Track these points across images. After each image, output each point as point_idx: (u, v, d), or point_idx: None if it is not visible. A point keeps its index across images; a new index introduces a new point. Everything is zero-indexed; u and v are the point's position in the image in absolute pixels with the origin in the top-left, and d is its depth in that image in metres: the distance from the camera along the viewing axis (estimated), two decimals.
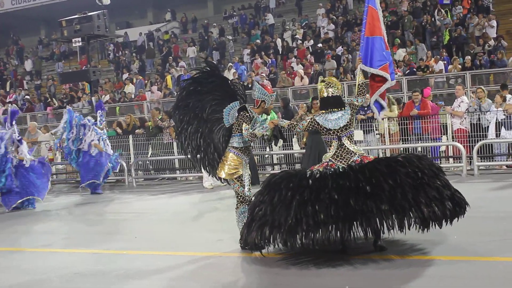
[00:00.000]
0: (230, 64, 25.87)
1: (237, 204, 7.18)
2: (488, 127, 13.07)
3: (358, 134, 13.31)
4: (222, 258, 6.96)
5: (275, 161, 15.85)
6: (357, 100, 6.75)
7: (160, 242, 8.30)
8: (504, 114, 12.85)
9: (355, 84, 7.17)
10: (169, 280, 6.21)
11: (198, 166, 7.63)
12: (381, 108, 7.94)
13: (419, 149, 13.23)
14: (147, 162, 16.58)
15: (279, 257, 6.57)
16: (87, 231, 9.72)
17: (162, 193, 14.06)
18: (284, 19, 31.95)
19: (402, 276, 5.61)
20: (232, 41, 30.84)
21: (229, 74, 24.75)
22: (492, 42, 21.57)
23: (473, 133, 13.06)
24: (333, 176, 6.07)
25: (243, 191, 7.09)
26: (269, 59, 25.90)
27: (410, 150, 13.20)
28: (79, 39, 18.42)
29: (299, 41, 27.04)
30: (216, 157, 7.22)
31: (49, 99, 28.31)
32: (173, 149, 15.89)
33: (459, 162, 12.94)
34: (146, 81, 28.01)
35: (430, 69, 20.35)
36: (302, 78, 22.33)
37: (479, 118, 13.01)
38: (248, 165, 7.26)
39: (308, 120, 6.78)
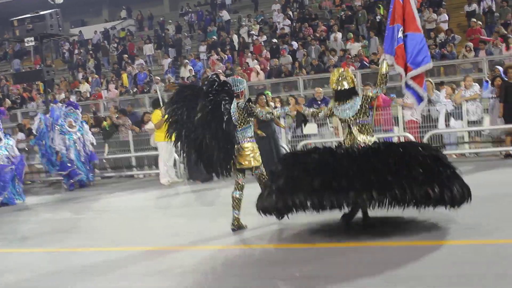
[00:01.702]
0: (186, 61, 25.88)
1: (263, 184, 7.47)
2: (438, 118, 13.41)
3: (312, 128, 13.54)
4: (178, 252, 7.04)
5: None
6: (371, 91, 7.23)
7: (117, 238, 8.36)
8: (453, 105, 13.23)
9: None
10: (126, 275, 6.27)
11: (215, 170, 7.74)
12: (419, 97, 7.98)
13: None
14: (104, 160, 16.53)
15: (238, 248, 6.72)
16: (43, 231, 9.67)
17: (120, 190, 14.04)
18: (240, 15, 32.04)
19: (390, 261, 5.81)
20: (188, 38, 30.80)
21: (185, 71, 24.80)
22: (443, 35, 22.07)
23: (424, 124, 13.39)
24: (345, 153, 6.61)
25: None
26: (226, 56, 25.98)
27: None
28: (32, 38, 18.16)
29: (255, 37, 27.17)
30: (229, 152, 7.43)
31: (2, 100, 27.87)
32: (129, 147, 15.86)
33: None
34: (102, 80, 27.80)
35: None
36: (258, 73, 22.47)
37: (429, 109, 13.33)
38: None
39: (326, 109, 7.47)
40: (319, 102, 13.61)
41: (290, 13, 28.99)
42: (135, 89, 25.21)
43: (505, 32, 20.30)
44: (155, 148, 14.43)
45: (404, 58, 7.72)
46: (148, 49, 30.36)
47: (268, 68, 23.40)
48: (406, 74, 7.80)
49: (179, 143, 7.72)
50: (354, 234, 6.93)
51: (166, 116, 7.81)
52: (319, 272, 5.64)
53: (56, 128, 14.69)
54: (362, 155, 6.52)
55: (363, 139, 6.95)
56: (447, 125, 13.34)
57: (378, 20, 24.97)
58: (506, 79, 12.82)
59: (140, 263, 6.75)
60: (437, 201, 6.32)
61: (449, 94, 13.59)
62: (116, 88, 25.67)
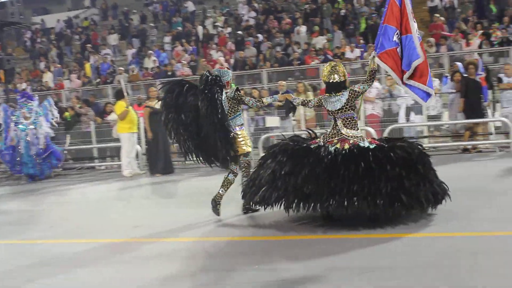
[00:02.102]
0: (150, 51, 25.72)
1: (245, 173, 7.94)
2: (398, 112, 13.63)
3: (273, 120, 13.67)
4: (138, 244, 7.05)
5: None
6: (358, 87, 7.28)
7: (77, 230, 8.31)
8: (413, 99, 13.42)
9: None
10: (85, 267, 6.25)
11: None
12: (425, 94, 7.82)
13: None
14: (65, 151, 16.34)
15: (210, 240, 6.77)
16: (1, 223, 9.56)
17: (81, 182, 13.95)
18: (205, 6, 31.90)
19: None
20: (153, 28, 30.56)
21: (150, 62, 24.66)
22: None
23: (384, 118, 13.59)
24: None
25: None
26: (190, 47, 25.89)
27: None
28: None
29: (220, 29, 27.13)
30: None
31: None
32: (91, 138, 15.72)
33: None
34: (65, 70, 27.44)
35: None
36: (222, 65, 22.43)
37: (389, 104, 13.53)
38: None
39: (316, 99, 7.65)
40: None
41: (256, 5, 29.00)
42: (98, 80, 24.96)
43: (465, 28, 20.66)
44: (118, 140, 14.32)
45: (398, 62, 7.70)
46: (112, 39, 30.06)
47: (233, 60, 23.40)
48: (402, 78, 7.80)
49: (178, 139, 7.92)
50: (327, 226, 7.01)
51: (164, 114, 7.97)
52: (277, 265, 5.72)
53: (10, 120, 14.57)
54: (334, 161, 6.75)
55: (347, 132, 7.14)
56: (407, 120, 13.56)
57: (342, 14, 25.18)
58: (466, 74, 13.08)
59: (101, 255, 6.73)
60: (403, 207, 6.63)
61: None
62: (78, 78, 25.38)
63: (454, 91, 13.40)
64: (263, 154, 7.78)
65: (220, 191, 7.97)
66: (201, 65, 22.83)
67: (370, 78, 7.36)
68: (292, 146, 7.25)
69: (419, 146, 7.23)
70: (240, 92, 7.92)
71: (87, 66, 26.61)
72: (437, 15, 22.59)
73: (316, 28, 24.26)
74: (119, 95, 13.88)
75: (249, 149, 8.01)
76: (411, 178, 6.65)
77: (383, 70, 19.02)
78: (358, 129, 7.33)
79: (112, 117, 14.77)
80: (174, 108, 7.80)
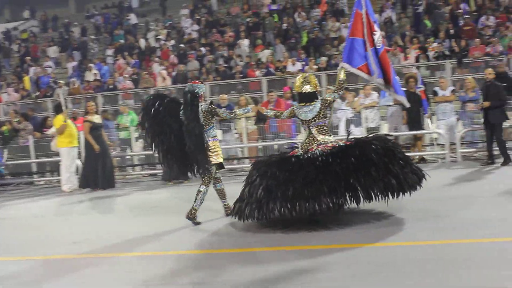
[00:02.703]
0: (91, 64, 25.41)
1: (205, 183, 8.24)
2: (338, 125, 13.87)
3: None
4: (76, 260, 6.95)
5: (135, 162, 15.89)
6: (330, 96, 7.79)
7: (13, 247, 8.09)
8: (352, 112, 13.73)
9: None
10: (21, 284, 6.11)
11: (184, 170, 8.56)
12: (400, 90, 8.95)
13: (275, 146, 13.80)
14: (3, 166, 15.95)
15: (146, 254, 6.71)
16: None
17: (19, 198, 13.62)
18: (147, 19, 31.73)
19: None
20: (94, 41, 30.21)
21: (90, 75, 24.34)
22: None
23: None
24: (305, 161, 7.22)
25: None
26: (132, 60, 25.70)
27: (267, 148, 13.71)
28: None
29: (162, 42, 27.05)
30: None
31: None
32: (29, 152, 15.39)
33: None
34: (2, 82, 26.77)
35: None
36: (164, 79, 22.36)
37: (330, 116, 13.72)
38: None
39: (289, 110, 8.04)
40: (224, 108, 13.73)
41: (199, 18, 29.05)
42: (37, 93, 24.44)
43: (402, 43, 21.21)
44: (57, 154, 14.06)
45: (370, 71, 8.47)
46: (52, 51, 29.56)
47: (175, 73, 23.28)
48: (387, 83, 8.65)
49: (159, 149, 8.34)
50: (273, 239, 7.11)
51: (142, 126, 8.50)
52: (210, 279, 5.73)
53: None
54: (324, 161, 7.08)
55: (322, 138, 7.53)
56: (348, 132, 13.77)
57: (284, 27, 25.49)
58: (406, 88, 13.38)
59: (37, 272, 6.60)
60: (395, 190, 7.12)
61: (350, 102, 14.07)
62: (17, 92, 24.81)
63: (392, 103, 13.72)
64: (248, 174, 7.89)
65: (223, 203, 8.54)
66: (143, 79, 22.66)
67: (339, 87, 8.00)
68: (276, 159, 7.52)
69: (388, 137, 7.74)
70: (213, 105, 8.28)
71: (26, 79, 26.02)
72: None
73: (259, 41, 24.48)
74: (57, 109, 13.66)
75: (221, 160, 8.33)
76: (394, 164, 7.17)
77: (324, 84, 19.45)
78: (331, 135, 7.80)
79: (51, 131, 14.50)
80: (154, 120, 8.18)
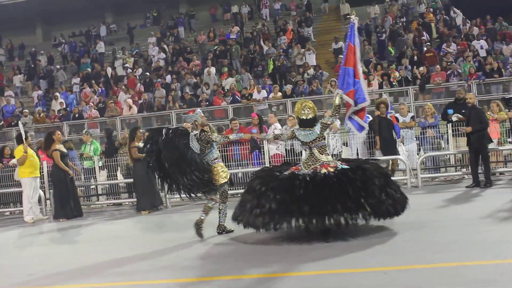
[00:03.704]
0: (57, 94, 25.28)
1: (223, 200, 9.05)
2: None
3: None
4: None
5: (99, 192, 15.80)
6: (328, 120, 8.50)
7: None
8: None
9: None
10: None
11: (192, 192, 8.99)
12: (360, 127, 9.85)
13: (240, 174, 13.85)
14: None
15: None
16: None
17: None
18: (114, 47, 31.69)
19: None
20: (61, 69, 30.06)
21: (56, 104, 24.21)
22: (311, 71, 23.06)
23: (288, 158, 13.85)
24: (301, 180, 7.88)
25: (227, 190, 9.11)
26: (99, 88, 25.63)
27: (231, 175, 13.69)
28: None
29: (129, 70, 27.06)
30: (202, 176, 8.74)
31: None
32: None
33: None
34: None
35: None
36: (130, 107, 22.33)
37: (292, 143, 13.85)
38: None
39: (289, 132, 8.75)
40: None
41: (165, 46, 29.16)
42: (1, 122, 24.19)
43: (366, 69, 21.54)
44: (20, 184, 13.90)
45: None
46: (18, 80, 29.36)
47: (143, 101, 23.27)
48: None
49: (162, 177, 9.06)
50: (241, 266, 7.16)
51: (147, 155, 9.21)
52: None
53: None
54: (336, 182, 7.75)
55: (324, 158, 8.22)
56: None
57: (251, 55, 25.72)
58: (377, 113, 13.54)
59: None
60: (392, 212, 7.92)
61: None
62: None
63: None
64: (249, 183, 8.82)
65: (201, 216, 8.97)
66: (109, 107, 22.62)
67: (336, 112, 8.69)
68: (288, 176, 8.13)
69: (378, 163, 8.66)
70: (205, 132, 8.89)
71: None
72: (341, 56, 23.41)
73: (225, 69, 24.65)
74: (18, 139, 13.56)
75: (222, 181, 8.89)
76: (391, 186, 8.12)
77: (289, 111, 19.60)
78: (329, 154, 8.56)
79: (13, 161, 14.35)
80: (158, 152, 8.82)
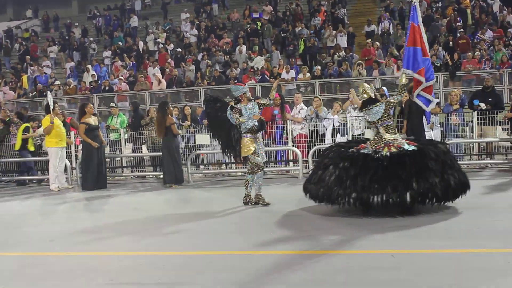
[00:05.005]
0: (88, 66, 25.57)
1: (253, 171, 9.66)
2: (325, 133, 13.97)
3: (204, 138, 13.82)
4: (49, 258, 7.06)
5: (124, 164, 16.02)
6: (393, 98, 8.81)
7: None
8: (339, 122, 13.82)
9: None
10: None
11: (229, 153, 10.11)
12: (427, 102, 9.94)
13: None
14: None
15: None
16: None
17: (6, 196, 13.74)
18: (146, 22, 31.88)
19: None
20: (94, 42, 30.36)
21: (88, 76, 24.50)
22: (343, 53, 22.93)
23: (311, 139, 13.89)
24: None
25: (258, 161, 9.61)
26: (130, 62, 25.85)
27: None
28: None
29: (161, 45, 27.19)
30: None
31: None
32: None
33: (297, 165, 13.76)
34: (1, 80, 26.94)
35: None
36: (160, 82, 22.51)
37: (316, 125, 13.86)
38: (260, 140, 9.85)
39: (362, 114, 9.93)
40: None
41: (198, 23, 29.20)
42: (34, 92, 24.60)
43: (397, 53, 21.33)
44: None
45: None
46: (52, 51, 29.73)
47: (175, 76, 23.36)
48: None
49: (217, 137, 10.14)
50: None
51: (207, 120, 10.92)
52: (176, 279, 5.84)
53: None
54: (391, 163, 8.03)
55: (389, 137, 8.52)
56: (334, 140, 13.88)
57: (282, 35, 25.65)
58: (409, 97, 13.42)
59: (16, 267, 6.70)
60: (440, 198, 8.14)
61: (337, 111, 14.16)
62: (12, 90, 24.98)
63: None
64: (318, 159, 9.48)
65: (246, 192, 9.79)
66: (139, 81, 22.83)
67: (402, 90, 8.97)
68: (350, 153, 8.51)
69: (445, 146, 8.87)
70: (234, 109, 9.58)
71: (24, 78, 26.22)
72: (370, 40, 23.27)
73: (256, 48, 24.62)
74: (46, 109, 13.83)
75: (244, 154, 9.61)
76: (454, 165, 8.41)
77: (317, 91, 19.56)
78: (396, 133, 8.79)
79: (40, 131, 14.63)
80: (214, 117, 9.91)
